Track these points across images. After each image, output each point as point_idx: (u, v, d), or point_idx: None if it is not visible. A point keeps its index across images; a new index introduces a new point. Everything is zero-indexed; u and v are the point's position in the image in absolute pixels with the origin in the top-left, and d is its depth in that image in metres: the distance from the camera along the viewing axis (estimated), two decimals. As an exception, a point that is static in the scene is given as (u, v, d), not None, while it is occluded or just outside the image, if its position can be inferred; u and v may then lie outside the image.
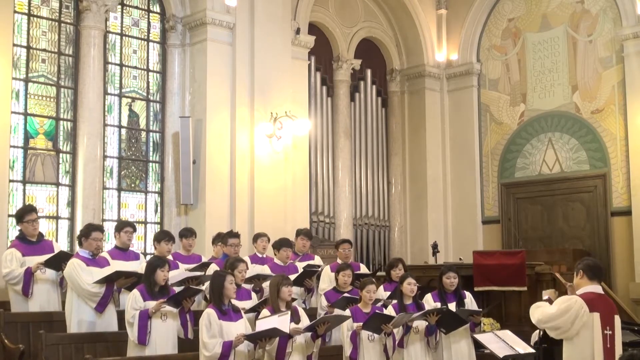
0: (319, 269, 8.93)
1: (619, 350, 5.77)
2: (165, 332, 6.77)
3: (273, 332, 6.33)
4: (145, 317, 6.59)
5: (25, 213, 7.87)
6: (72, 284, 7.25)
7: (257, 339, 6.34)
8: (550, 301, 6.00)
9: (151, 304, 6.68)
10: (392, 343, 7.34)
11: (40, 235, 8.00)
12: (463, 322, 7.68)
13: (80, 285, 7.15)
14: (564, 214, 13.37)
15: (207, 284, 8.14)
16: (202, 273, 8.20)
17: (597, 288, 5.76)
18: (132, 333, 6.63)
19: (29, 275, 7.58)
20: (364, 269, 9.62)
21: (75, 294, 7.24)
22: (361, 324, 7.21)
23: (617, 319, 5.83)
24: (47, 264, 7.61)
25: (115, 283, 7.20)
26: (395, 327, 7.29)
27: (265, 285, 8.18)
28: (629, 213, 12.41)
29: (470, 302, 8.06)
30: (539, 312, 5.80)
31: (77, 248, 7.86)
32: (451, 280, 7.97)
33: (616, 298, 11.31)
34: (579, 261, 5.90)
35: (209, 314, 6.35)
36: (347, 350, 7.29)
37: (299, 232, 9.65)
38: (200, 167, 11.19)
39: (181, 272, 8.18)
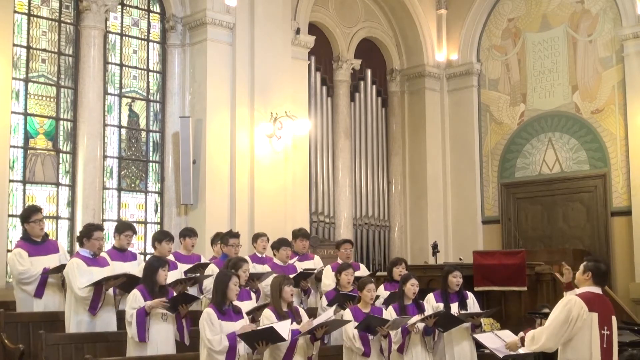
0: (315, 271, 8.91)
1: (615, 350, 5.76)
2: (165, 331, 6.77)
3: (269, 332, 6.31)
4: (142, 315, 6.59)
5: (32, 213, 7.82)
6: (68, 284, 7.25)
7: (253, 339, 6.32)
8: (522, 340, 6.00)
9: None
10: (388, 345, 7.33)
11: (45, 235, 7.98)
12: (460, 322, 7.68)
13: (73, 287, 7.15)
14: (564, 214, 13.37)
15: (205, 284, 8.16)
16: (197, 274, 8.19)
17: (597, 289, 5.77)
18: (131, 331, 6.63)
19: (45, 277, 7.57)
20: (364, 269, 9.60)
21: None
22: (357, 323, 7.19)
23: (614, 319, 5.82)
24: (52, 271, 7.61)
25: (103, 286, 7.17)
26: (390, 330, 7.27)
27: (265, 284, 8.18)
28: (629, 213, 12.41)
29: (472, 303, 8.06)
30: (544, 336, 5.66)
31: (76, 248, 7.85)
32: (457, 280, 7.96)
33: (616, 298, 11.31)
34: (589, 259, 5.86)
35: (208, 313, 6.34)
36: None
37: (296, 235, 9.60)
38: (200, 167, 11.19)
39: (180, 272, 8.19)
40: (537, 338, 5.75)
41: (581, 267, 5.85)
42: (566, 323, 5.59)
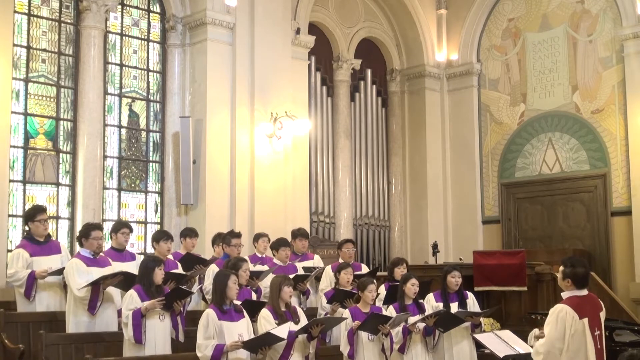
0: (312, 274, 8.90)
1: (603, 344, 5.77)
2: (163, 331, 6.76)
3: (268, 339, 6.32)
4: (138, 317, 6.58)
5: (37, 212, 7.82)
6: (67, 285, 7.25)
7: (255, 346, 6.34)
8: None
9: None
10: (389, 344, 7.33)
11: (48, 235, 7.98)
12: (461, 321, 7.68)
13: (71, 288, 7.15)
14: (564, 214, 13.37)
15: (205, 284, 8.16)
16: (188, 273, 8.18)
17: (582, 292, 5.75)
18: (127, 332, 6.62)
19: (32, 279, 7.55)
20: (365, 270, 9.58)
21: (72, 294, 7.25)
22: (358, 322, 7.19)
23: (602, 315, 5.82)
24: (52, 274, 7.61)
25: (101, 285, 7.16)
26: (392, 327, 7.27)
27: (266, 286, 8.18)
28: (629, 213, 12.41)
29: (472, 303, 8.05)
30: (538, 345, 5.67)
31: (77, 248, 7.85)
32: (456, 280, 7.95)
33: (616, 298, 11.32)
34: (566, 263, 5.77)
35: (208, 314, 6.35)
36: (345, 350, 7.27)
37: (295, 234, 9.59)
38: (200, 167, 11.20)
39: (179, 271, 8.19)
40: (540, 351, 5.69)
41: (559, 273, 5.81)
42: (561, 333, 5.56)
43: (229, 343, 6.22)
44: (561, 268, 5.79)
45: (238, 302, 6.79)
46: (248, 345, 6.31)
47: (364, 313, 7.33)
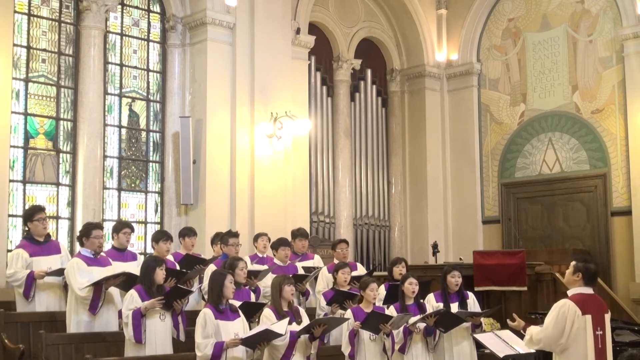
0: (311, 274, 8.90)
1: (609, 348, 5.75)
2: (164, 331, 6.78)
3: (266, 334, 6.33)
4: (138, 316, 6.59)
5: (36, 212, 7.83)
6: (68, 284, 7.26)
7: (254, 342, 6.35)
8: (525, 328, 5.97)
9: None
10: (390, 344, 7.33)
11: (48, 235, 7.98)
12: (461, 321, 7.68)
13: (73, 287, 7.16)
14: (564, 214, 13.37)
15: (204, 284, 8.16)
16: (185, 270, 8.19)
17: (588, 290, 5.75)
18: (128, 332, 6.64)
19: (30, 280, 7.56)
20: (361, 269, 9.60)
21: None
22: (359, 322, 7.20)
23: (607, 317, 5.81)
24: (51, 274, 7.60)
25: (103, 286, 7.16)
26: (394, 327, 7.27)
27: (265, 286, 8.19)
28: (629, 213, 12.41)
29: (473, 303, 8.05)
30: (535, 333, 5.70)
31: (77, 248, 7.85)
32: (456, 280, 7.96)
33: (616, 298, 11.32)
34: (578, 257, 5.82)
35: (205, 313, 6.36)
36: (346, 350, 7.28)
37: (295, 235, 9.61)
38: (200, 167, 11.20)
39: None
40: (535, 340, 5.74)
41: (571, 267, 5.79)
42: (557, 322, 5.57)
43: (229, 340, 6.23)
44: (573, 263, 5.77)
45: (236, 302, 6.81)
46: (247, 341, 6.31)
47: (366, 313, 7.33)
